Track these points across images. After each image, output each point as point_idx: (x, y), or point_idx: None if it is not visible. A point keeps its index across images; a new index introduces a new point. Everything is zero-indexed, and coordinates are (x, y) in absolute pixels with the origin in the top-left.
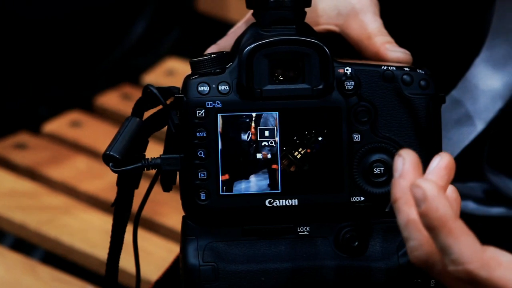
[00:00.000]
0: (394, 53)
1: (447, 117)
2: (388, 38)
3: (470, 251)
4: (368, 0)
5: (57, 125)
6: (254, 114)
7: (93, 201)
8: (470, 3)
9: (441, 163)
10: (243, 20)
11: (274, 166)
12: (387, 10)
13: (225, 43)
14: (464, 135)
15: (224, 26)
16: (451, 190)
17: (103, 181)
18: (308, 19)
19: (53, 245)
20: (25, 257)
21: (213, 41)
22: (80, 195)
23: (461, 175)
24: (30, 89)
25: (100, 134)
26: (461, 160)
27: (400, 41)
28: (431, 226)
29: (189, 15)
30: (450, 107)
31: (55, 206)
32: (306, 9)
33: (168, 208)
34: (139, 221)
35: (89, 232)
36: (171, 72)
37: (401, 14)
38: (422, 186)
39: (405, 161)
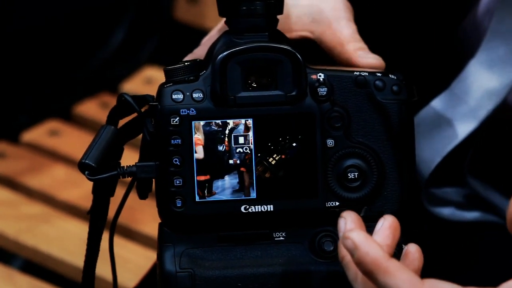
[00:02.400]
0: (365, 59)
1: (441, 116)
2: (360, 44)
3: (408, 285)
4: (342, 6)
5: (36, 134)
6: (228, 121)
7: (72, 210)
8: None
9: (385, 223)
10: (216, 28)
11: (249, 173)
12: (374, 12)
13: (200, 52)
14: (455, 135)
15: (202, 35)
16: (414, 249)
17: (82, 190)
18: (282, 26)
19: (31, 253)
20: (4, 266)
21: (191, 50)
22: (59, 203)
23: (441, 179)
24: (8, 98)
25: (78, 143)
26: (446, 161)
27: (383, 46)
28: (368, 271)
29: (167, 23)
30: (442, 107)
31: (34, 214)
32: (280, 16)
33: (146, 216)
34: (116, 229)
35: (68, 240)
36: (150, 80)
37: (390, 15)
38: (351, 236)
39: (347, 220)
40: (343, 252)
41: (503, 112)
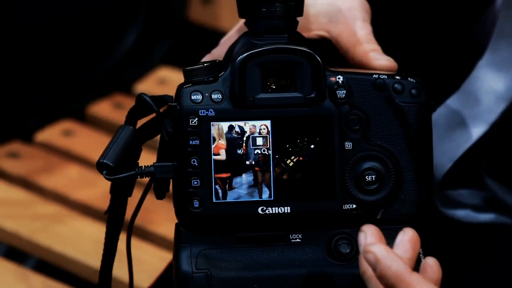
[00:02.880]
0: (378, 61)
1: (453, 118)
2: (373, 45)
3: None
4: (358, 6)
5: (50, 134)
6: (247, 123)
7: (85, 210)
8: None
9: (405, 237)
10: (235, 28)
11: (266, 174)
12: (387, 15)
13: (219, 52)
14: (466, 137)
15: (215, 35)
16: (433, 262)
17: (95, 190)
18: (299, 25)
19: (45, 253)
20: (18, 266)
21: (205, 50)
22: (72, 203)
23: (455, 181)
24: (22, 99)
25: (92, 143)
26: (461, 162)
27: (399, 47)
28: (390, 285)
29: (181, 24)
30: (453, 109)
31: (48, 214)
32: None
33: (160, 216)
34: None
35: (81, 240)
36: (163, 81)
37: (403, 19)
38: (372, 250)
39: (367, 234)
40: (364, 266)
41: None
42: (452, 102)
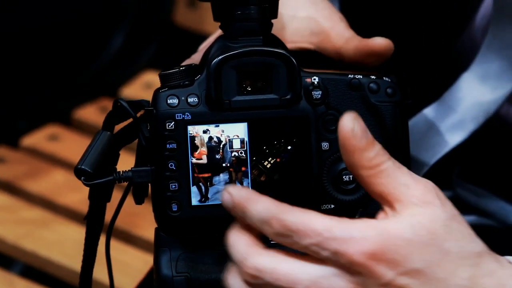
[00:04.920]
0: (376, 40)
1: (429, 127)
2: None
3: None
4: (337, 16)
5: (35, 139)
6: (223, 125)
7: (71, 214)
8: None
9: None
10: (214, 35)
11: (244, 176)
12: (372, 22)
13: (198, 58)
14: (443, 145)
15: (201, 39)
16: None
17: (81, 194)
18: (280, 38)
19: (31, 258)
20: (3, 271)
21: (190, 54)
22: (58, 208)
23: (437, 184)
24: (8, 103)
25: (78, 148)
26: (434, 169)
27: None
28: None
29: (167, 28)
30: (430, 118)
31: (33, 219)
32: (278, 28)
33: (145, 221)
34: (116, 233)
35: (67, 245)
36: (149, 85)
37: (387, 26)
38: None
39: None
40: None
41: (495, 124)
42: (432, 110)
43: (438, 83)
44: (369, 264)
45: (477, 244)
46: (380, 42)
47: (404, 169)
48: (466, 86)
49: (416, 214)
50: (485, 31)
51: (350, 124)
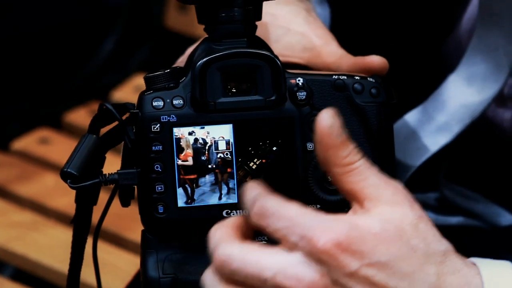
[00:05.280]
0: (372, 57)
1: (414, 129)
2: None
3: None
4: (329, 37)
5: (26, 142)
6: (209, 127)
7: (61, 217)
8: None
9: None
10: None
11: (225, 175)
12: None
13: (185, 60)
14: (428, 147)
15: (192, 43)
16: None
17: (72, 198)
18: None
19: (21, 261)
20: None
21: None
22: (48, 211)
23: (421, 186)
24: None
25: (68, 151)
26: (421, 171)
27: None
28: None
29: (158, 32)
30: (414, 122)
31: (24, 222)
32: (271, 41)
33: (135, 223)
34: (105, 236)
35: (58, 248)
36: (140, 88)
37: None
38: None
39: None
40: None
41: (482, 126)
42: (416, 113)
43: (424, 85)
44: (334, 252)
45: (443, 244)
46: (377, 60)
47: (375, 170)
48: (452, 88)
49: (385, 212)
50: (471, 33)
51: (328, 121)
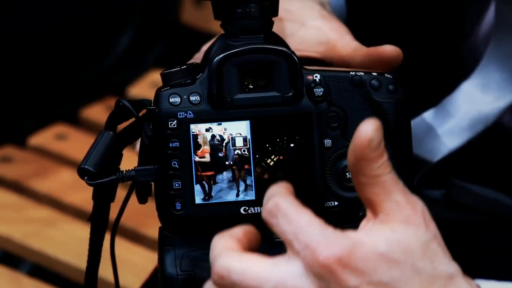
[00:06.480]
0: (386, 47)
1: (427, 131)
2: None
3: None
4: (344, 30)
5: (43, 138)
6: (226, 123)
7: (78, 213)
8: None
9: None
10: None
11: (242, 171)
12: (374, 25)
13: (201, 57)
14: (441, 148)
15: (208, 39)
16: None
17: (88, 194)
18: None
19: (38, 257)
20: (11, 270)
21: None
22: (65, 207)
23: (432, 184)
24: (15, 103)
25: (85, 147)
26: (434, 171)
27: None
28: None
29: (174, 27)
30: (428, 123)
31: (40, 218)
32: (286, 35)
33: (154, 220)
34: (123, 232)
35: (74, 244)
36: (156, 84)
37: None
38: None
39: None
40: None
41: (497, 133)
42: (428, 116)
43: (439, 89)
44: (335, 268)
45: (450, 266)
46: (390, 49)
47: (400, 185)
48: (466, 94)
49: (397, 230)
50: (487, 41)
51: (369, 134)
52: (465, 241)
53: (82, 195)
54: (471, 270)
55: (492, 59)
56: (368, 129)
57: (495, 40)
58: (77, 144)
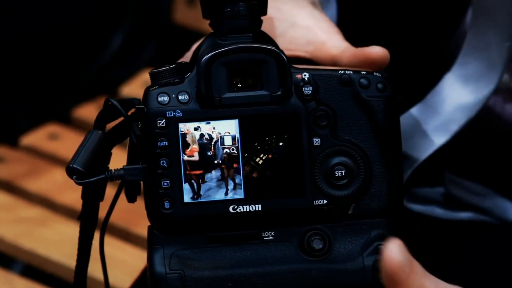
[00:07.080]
0: (373, 48)
1: (414, 127)
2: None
3: None
4: (334, 30)
5: (35, 138)
6: (214, 122)
7: (70, 213)
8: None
9: None
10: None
11: (231, 170)
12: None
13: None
14: (428, 146)
15: (200, 37)
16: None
17: (80, 193)
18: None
19: (30, 257)
20: (3, 270)
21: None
22: (57, 207)
23: (427, 180)
24: (7, 102)
25: (77, 147)
26: (426, 166)
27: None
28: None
29: (166, 27)
30: (416, 119)
31: (32, 218)
32: (276, 35)
33: (144, 218)
34: (114, 231)
35: (66, 244)
36: (148, 83)
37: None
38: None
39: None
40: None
41: (489, 121)
42: (415, 112)
43: (424, 83)
44: None
45: None
46: (376, 51)
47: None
48: (448, 88)
49: None
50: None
51: (398, 257)
52: (461, 241)
53: (74, 195)
54: (468, 270)
55: (470, 50)
56: (395, 252)
57: (472, 31)
58: (69, 143)
